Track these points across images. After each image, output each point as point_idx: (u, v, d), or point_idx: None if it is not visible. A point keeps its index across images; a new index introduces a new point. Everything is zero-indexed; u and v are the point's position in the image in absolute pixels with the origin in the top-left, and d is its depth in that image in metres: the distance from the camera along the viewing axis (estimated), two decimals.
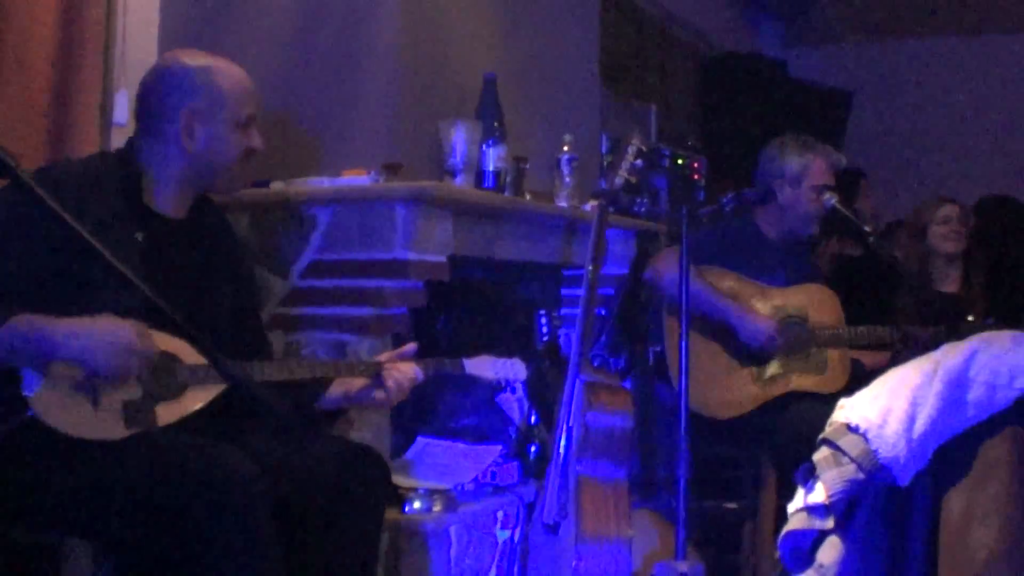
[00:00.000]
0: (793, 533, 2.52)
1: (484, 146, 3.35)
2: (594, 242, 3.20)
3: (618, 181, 3.30)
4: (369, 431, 3.08)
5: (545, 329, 3.70)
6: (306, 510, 2.37)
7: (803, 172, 3.64)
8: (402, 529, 2.93)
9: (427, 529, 2.95)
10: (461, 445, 3.38)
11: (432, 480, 3.16)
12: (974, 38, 6.90)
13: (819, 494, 2.46)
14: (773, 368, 3.52)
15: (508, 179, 3.45)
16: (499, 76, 3.45)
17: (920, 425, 2.39)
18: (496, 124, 3.38)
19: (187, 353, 2.29)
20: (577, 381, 3.00)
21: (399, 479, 3.08)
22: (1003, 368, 2.38)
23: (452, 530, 3.03)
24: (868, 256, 4.42)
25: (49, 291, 2.20)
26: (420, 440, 3.38)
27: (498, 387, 3.43)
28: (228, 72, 2.48)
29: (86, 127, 3.00)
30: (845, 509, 2.46)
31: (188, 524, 2.08)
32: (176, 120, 2.41)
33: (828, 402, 2.80)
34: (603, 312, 4.13)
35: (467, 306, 3.71)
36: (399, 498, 2.98)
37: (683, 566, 2.79)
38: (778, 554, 2.57)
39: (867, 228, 3.77)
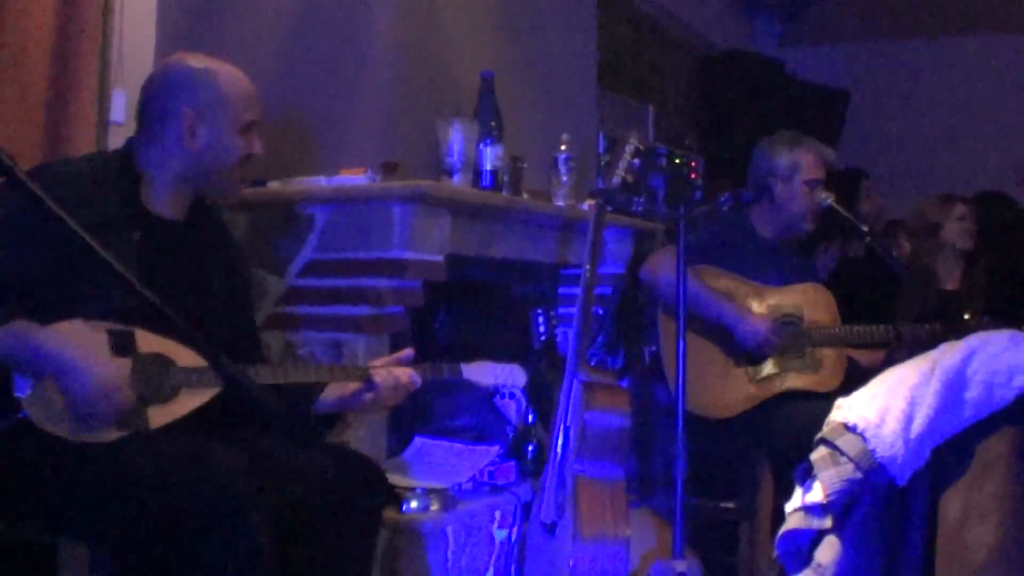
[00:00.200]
0: (791, 533, 2.51)
1: (481, 145, 3.35)
2: (591, 241, 3.20)
3: (615, 180, 3.30)
4: (366, 431, 3.08)
5: (542, 328, 3.70)
6: (301, 512, 2.37)
7: (794, 167, 3.65)
8: (399, 528, 2.93)
9: (424, 528, 2.95)
10: (458, 445, 3.38)
11: (429, 480, 3.16)
12: (971, 38, 6.90)
13: (817, 493, 2.46)
14: (769, 367, 3.52)
15: (505, 178, 3.45)
16: (496, 75, 3.45)
17: (918, 424, 2.39)
18: (493, 123, 3.38)
19: (181, 355, 2.28)
20: (575, 380, 3.00)
21: (397, 479, 3.08)
22: (1001, 367, 2.38)
23: (449, 529, 3.03)
24: (868, 256, 4.43)
25: (46, 291, 2.19)
26: (417, 440, 3.38)
27: (495, 393, 3.43)
28: (232, 76, 2.48)
29: (83, 126, 3.00)
30: (843, 508, 2.45)
31: (183, 525, 2.07)
32: (178, 121, 2.41)
33: (824, 401, 2.80)
34: (600, 311, 4.13)
35: (464, 305, 3.71)
36: (396, 498, 2.98)
37: (680, 565, 2.79)
38: (776, 553, 2.56)
39: (864, 228, 3.77)
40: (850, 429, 2.46)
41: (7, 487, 2.17)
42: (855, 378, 3.40)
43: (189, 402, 2.28)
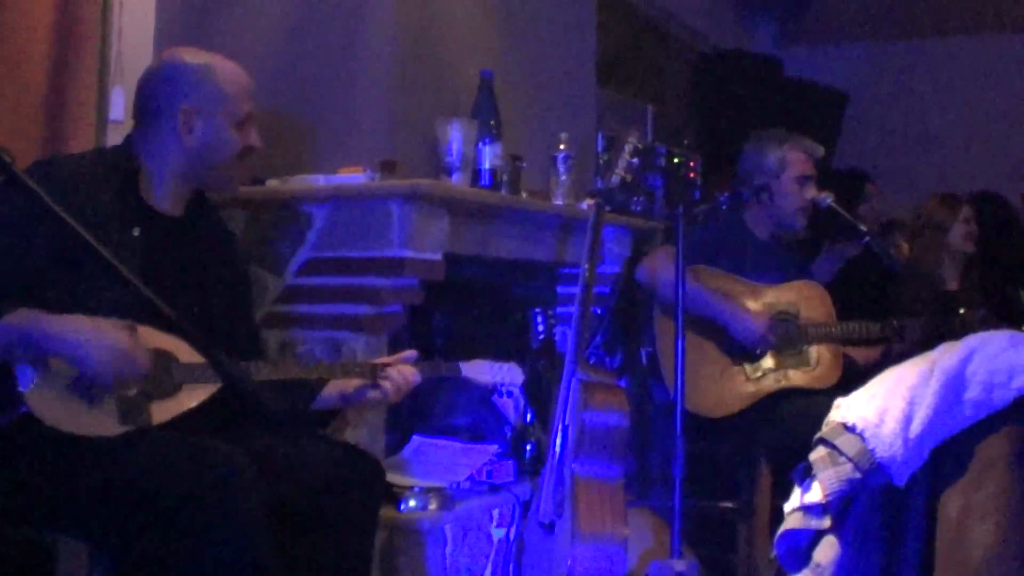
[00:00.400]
0: (790, 532, 2.51)
1: (480, 144, 3.35)
2: (590, 240, 3.19)
3: (614, 179, 3.29)
4: (365, 429, 3.08)
5: (541, 327, 3.70)
6: (301, 508, 2.37)
7: (782, 164, 3.67)
8: (398, 527, 2.93)
9: (423, 527, 2.95)
10: (457, 444, 3.38)
11: (428, 478, 3.16)
12: (970, 38, 6.89)
13: (816, 493, 2.46)
14: (765, 366, 3.52)
15: (504, 177, 3.45)
16: (495, 74, 3.45)
17: (917, 424, 2.39)
18: (492, 122, 3.38)
19: (183, 351, 2.28)
20: (573, 380, 3.00)
21: (395, 477, 3.08)
22: (1000, 368, 2.38)
23: (448, 528, 3.03)
24: (866, 257, 4.42)
25: (45, 287, 2.20)
26: (416, 439, 3.38)
27: (494, 391, 3.43)
28: (228, 69, 2.48)
29: (82, 124, 3.00)
30: (842, 508, 2.45)
31: (183, 522, 2.08)
32: (175, 116, 2.42)
33: (822, 399, 2.80)
34: (599, 311, 4.13)
35: (463, 304, 3.71)
36: (395, 496, 2.98)
37: (679, 565, 2.79)
38: (774, 553, 2.56)
39: (864, 228, 3.77)
40: (849, 429, 2.46)
41: (7, 484, 2.17)
42: (851, 375, 3.41)
43: (191, 398, 2.28)
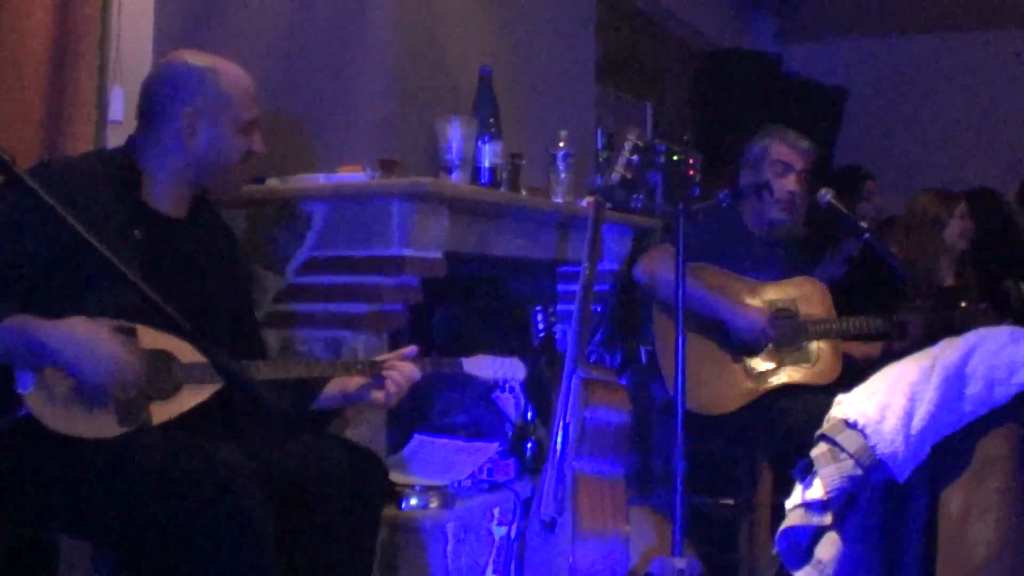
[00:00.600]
0: (791, 529, 2.51)
1: (480, 142, 3.35)
2: (590, 238, 3.20)
3: (614, 177, 3.29)
4: (365, 428, 3.08)
5: (541, 325, 3.70)
6: (303, 507, 2.37)
7: (763, 153, 3.71)
8: (399, 526, 2.93)
9: (424, 525, 2.95)
10: (458, 442, 3.38)
11: (429, 477, 3.16)
12: (969, 34, 6.89)
13: (817, 490, 2.45)
14: (765, 363, 3.52)
15: (504, 175, 3.45)
16: (495, 72, 3.44)
17: (918, 421, 2.39)
18: (492, 120, 3.37)
19: (183, 352, 2.28)
20: (574, 377, 3.00)
21: (396, 476, 3.08)
22: (1001, 364, 2.37)
23: (449, 526, 3.03)
24: (866, 255, 4.42)
25: (46, 288, 2.20)
26: (417, 437, 3.38)
27: (495, 386, 3.43)
28: (232, 73, 2.48)
29: (81, 124, 2.99)
30: (843, 505, 2.45)
31: (184, 521, 2.08)
32: (178, 119, 2.41)
33: (822, 396, 2.80)
34: (599, 308, 4.13)
35: (463, 302, 3.71)
36: (396, 495, 2.98)
37: (680, 562, 2.79)
38: (776, 550, 2.56)
39: (864, 225, 3.77)
40: (850, 425, 2.46)
41: (8, 485, 2.17)
42: (851, 372, 3.41)
43: (191, 398, 2.28)
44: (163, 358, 2.25)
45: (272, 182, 3.17)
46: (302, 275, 3.15)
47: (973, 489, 2.34)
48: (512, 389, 3.50)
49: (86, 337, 2.10)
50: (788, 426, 3.23)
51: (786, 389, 3.47)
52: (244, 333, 2.62)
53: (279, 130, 3.16)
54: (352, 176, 3.08)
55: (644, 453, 4.13)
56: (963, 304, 3.79)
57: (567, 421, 2.97)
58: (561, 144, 3.66)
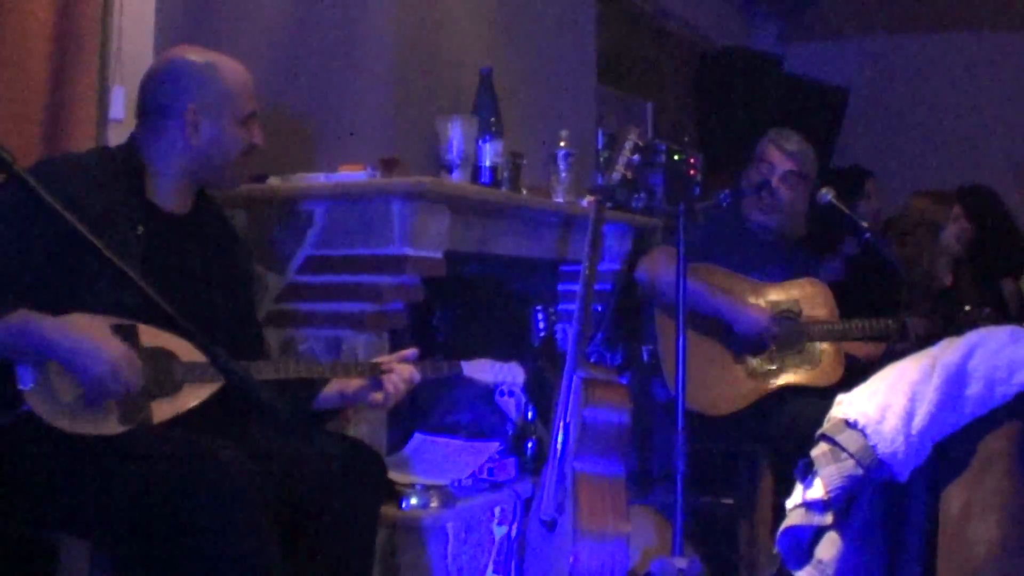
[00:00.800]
0: (791, 529, 2.51)
1: (480, 142, 3.35)
2: (591, 238, 3.19)
3: (615, 176, 3.30)
4: (366, 427, 3.08)
5: (542, 325, 3.70)
6: (303, 506, 2.37)
7: (758, 153, 3.73)
8: (399, 525, 2.93)
9: (424, 525, 2.95)
10: (458, 441, 3.38)
11: (429, 476, 3.16)
12: (971, 35, 6.88)
13: (817, 490, 2.45)
14: (767, 363, 3.52)
15: (505, 175, 3.45)
16: (495, 71, 3.44)
17: (919, 420, 2.39)
18: (492, 120, 3.37)
19: (184, 350, 2.28)
20: (575, 377, 3.00)
21: (396, 475, 3.08)
22: (1001, 363, 2.37)
23: (449, 526, 3.03)
24: (866, 255, 4.42)
25: (47, 285, 2.19)
26: (417, 436, 3.38)
27: (494, 390, 3.43)
28: (231, 68, 2.50)
29: (82, 123, 2.99)
30: (844, 505, 2.45)
31: (185, 520, 2.07)
32: (180, 115, 2.42)
33: (823, 397, 2.79)
34: (600, 308, 4.13)
35: (464, 302, 3.70)
36: (396, 494, 2.98)
37: (680, 562, 2.79)
38: (776, 550, 2.56)
39: (865, 224, 3.76)
40: (851, 425, 2.45)
41: (8, 482, 2.17)
42: (853, 373, 3.40)
43: (192, 397, 2.28)
44: (164, 356, 2.25)
45: (273, 181, 3.17)
46: (303, 274, 3.15)
47: (974, 489, 2.34)
48: (511, 393, 3.50)
49: (87, 334, 2.11)
50: (789, 426, 3.22)
51: (788, 390, 3.47)
52: (246, 331, 2.62)
53: (280, 129, 3.15)
54: (353, 175, 3.08)
55: (644, 453, 4.13)
56: (967, 308, 3.78)
57: (567, 421, 2.97)
58: (562, 144, 3.66)
